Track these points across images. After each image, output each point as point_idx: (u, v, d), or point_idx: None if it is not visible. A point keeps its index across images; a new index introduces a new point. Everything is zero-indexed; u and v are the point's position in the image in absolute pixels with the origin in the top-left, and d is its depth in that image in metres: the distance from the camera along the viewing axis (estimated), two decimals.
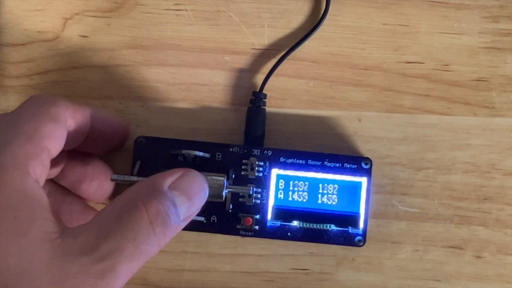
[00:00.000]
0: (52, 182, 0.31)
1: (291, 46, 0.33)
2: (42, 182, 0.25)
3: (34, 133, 0.25)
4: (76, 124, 0.28)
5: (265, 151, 0.32)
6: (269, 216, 0.31)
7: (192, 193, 0.26)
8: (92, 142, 0.30)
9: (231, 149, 0.32)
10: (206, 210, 0.31)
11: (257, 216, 0.31)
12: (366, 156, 0.32)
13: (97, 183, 0.31)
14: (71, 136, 0.27)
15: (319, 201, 0.32)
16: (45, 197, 0.24)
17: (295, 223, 0.31)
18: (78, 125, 0.28)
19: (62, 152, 0.27)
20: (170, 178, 0.26)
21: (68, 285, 0.22)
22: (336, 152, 0.32)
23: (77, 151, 0.30)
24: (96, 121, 0.29)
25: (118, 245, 0.23)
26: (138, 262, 0.23)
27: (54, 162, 0.27)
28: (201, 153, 0.31)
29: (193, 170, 0.27)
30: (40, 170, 0.24)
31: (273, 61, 0.33)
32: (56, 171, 0.30)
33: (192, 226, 0.31)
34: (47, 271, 0.22)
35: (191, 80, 0.34)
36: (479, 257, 0.33)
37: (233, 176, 0.31)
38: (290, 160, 0.32)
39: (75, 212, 0.31)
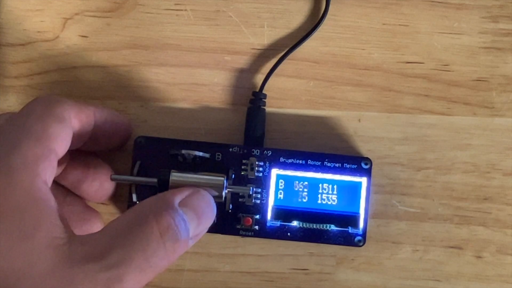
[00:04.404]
0: (52, 182, 0.31)
1: (291, 46, 0.33)
2: (49, 183, 0.25)
3: (42, 134, 0.24)
4: (80, 124, 0.28)
5: (265, 151, 0.32)
6: (269, 216, 0.31)
7: (201, 212, 0.26)
8: (95, 140, 0.30)
9: (231, 149, 0.32)
10: None
11: (257, 216, 0.31)
12: (366, 156, 0.32)
13: (98, 183, 0.31)
14: (76, 136, 0.27)
15: (319, 201, 0.32)
16: (54, 200, 0.24)
17: (295, 223, 0.31)
18: (83, 125, 0.28)
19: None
20: (180, 195, 0.26)
21: None
22: (336, 152, 0.32)
23: (79, 150, 0.30)
24: (99, 120, 0.29)
25: (127, 256, 0.22)
26: (146, 275, 0.23)
27: (58, 163, 0.28)
28: (201, 153, 0.31)
29: (202, 189, 0.27)
30: (49, 172, 0.24)
31: (273, 61, 0.33)
32: (58, 171, 0.30)
33: None
34: (51, 276, 0.21)
35: (191, 80, 0.34)
36: (479, 257, 0.33)
37: (233, 176, 0.31)
38: (290, 160, 0.32)
39: (75, 213, 0.31)
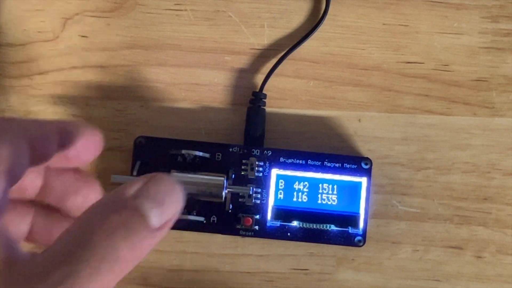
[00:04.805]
0: (36, 203, 0.30)
1: (291, 46, 0.33)
2: (1, 206, 0.24)
3: None
4: (41, 142, 0.26)
5: (265, 151, 0.32)
6: (269, 216, 0.31)
7: (161, 197, 0.23)
8: (65, 156, 0.29)
9: (231, 149, 0.32)
10: (206, 210, 0.31)
11: (257, 216, 0.31)
12: (366, 156, 0.32)
13: (81, 198, 0.29)
14: (37, 154, 0.26)
15: (319, 201, 0.32)
16: None
17: (295, 223, 0.31)
18: (43, 143, 0.26)
19: (34, 170, 0.26)
20: (133, 187, 0.23)
21: None
22: (336, 152, 0.32)
23: (57, 168, 0.29)
24: (64, 135, 0.28)
25: (73, 269, 0.21)
26: (101, 282, 0.21)
27: (28, 182, 0.27)
28: (201, 153, 0.31)
29: (161, 173, 0.25)
30: None
31: (273, 61, 0.33)
32: (33, 190, 0.29)
33: (192, 226, 0.31)
34: None
35: (191, 80, 0.34)
36: (479, 257, 0.33)
37: (233, 176, 0.31)
38: (290, 160, 0.32)
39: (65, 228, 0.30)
